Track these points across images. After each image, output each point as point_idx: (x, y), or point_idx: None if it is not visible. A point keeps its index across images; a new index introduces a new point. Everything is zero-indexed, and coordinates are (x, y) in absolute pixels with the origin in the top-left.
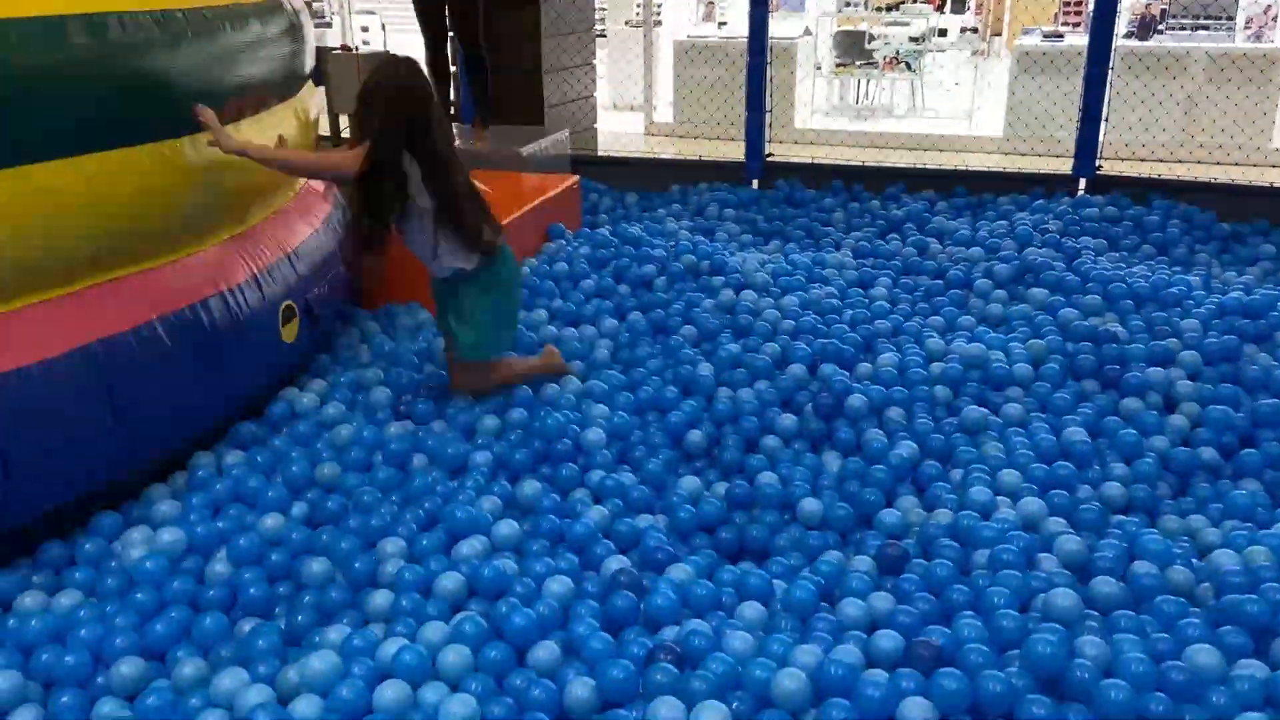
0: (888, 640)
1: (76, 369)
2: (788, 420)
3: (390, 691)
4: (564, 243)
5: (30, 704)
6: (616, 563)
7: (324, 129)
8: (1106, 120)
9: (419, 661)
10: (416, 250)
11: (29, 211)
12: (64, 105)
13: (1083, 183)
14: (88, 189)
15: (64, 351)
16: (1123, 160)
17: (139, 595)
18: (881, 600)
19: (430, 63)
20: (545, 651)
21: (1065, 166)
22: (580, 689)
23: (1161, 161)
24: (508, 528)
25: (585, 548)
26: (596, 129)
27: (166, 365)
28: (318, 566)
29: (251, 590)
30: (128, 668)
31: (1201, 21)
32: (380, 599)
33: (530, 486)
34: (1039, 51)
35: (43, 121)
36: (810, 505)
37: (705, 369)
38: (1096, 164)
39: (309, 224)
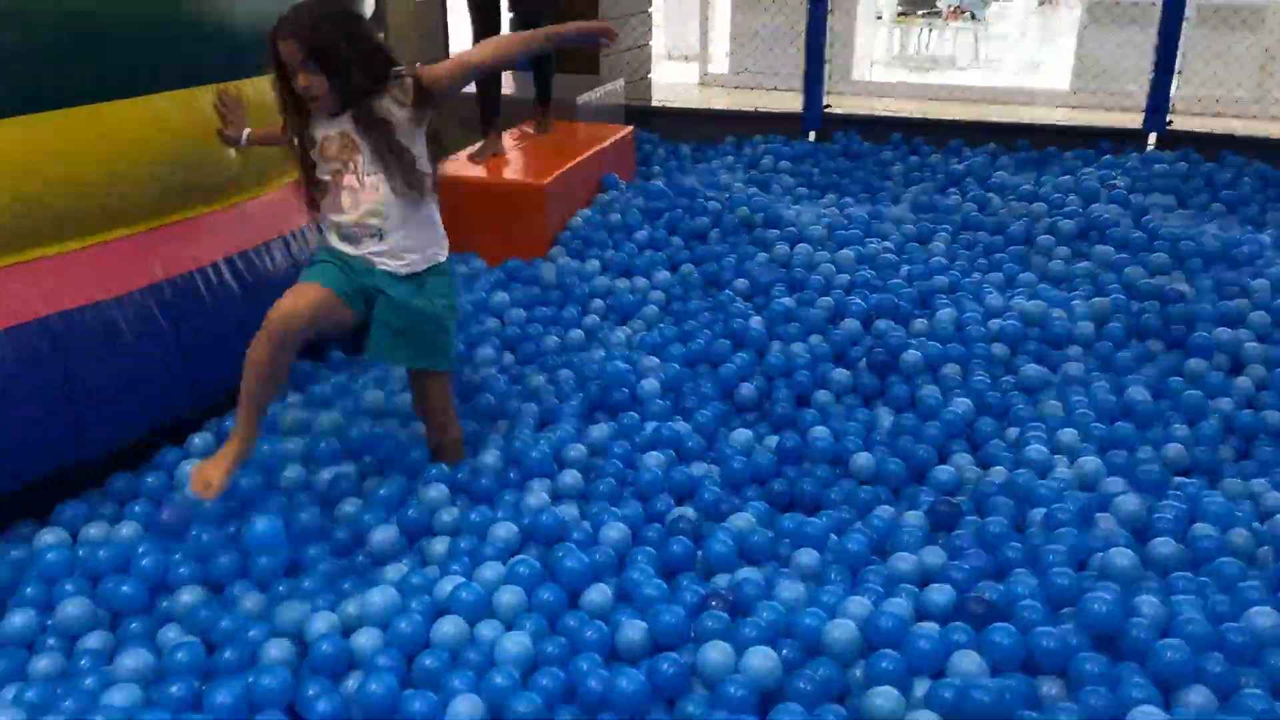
0: (940, 594)
1: (144, 307)
2: (840, 375)
3: (447, 627)
4: (617, 193)
5: (100, 630)
6: (678, 510)
7: None
8: (1179, 74)
9: (475, 599)
10: (416, 236)
11: (110, 149)
12: (139, 44)
13: (1152, 138)
14: (159, 128)
15: (134, 289)
16: (1194, 116)
17: (200, 534)
18: (934, 555)
19: None
20: (599, 594)
21: (1134, 121)
22: (632, 631)
23: (1235, 118)
24: (571, 477)
25: (649, 495)
26: (651, 79)
27: (228, 306)
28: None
29: (304, 518)
30: (189, 596)
31: None
32: (439, 545)
33: (599, 430)
34: (1111, 1)
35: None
36: (862, 460)
37: (757, 322)
38: (1167, 119)
39: None
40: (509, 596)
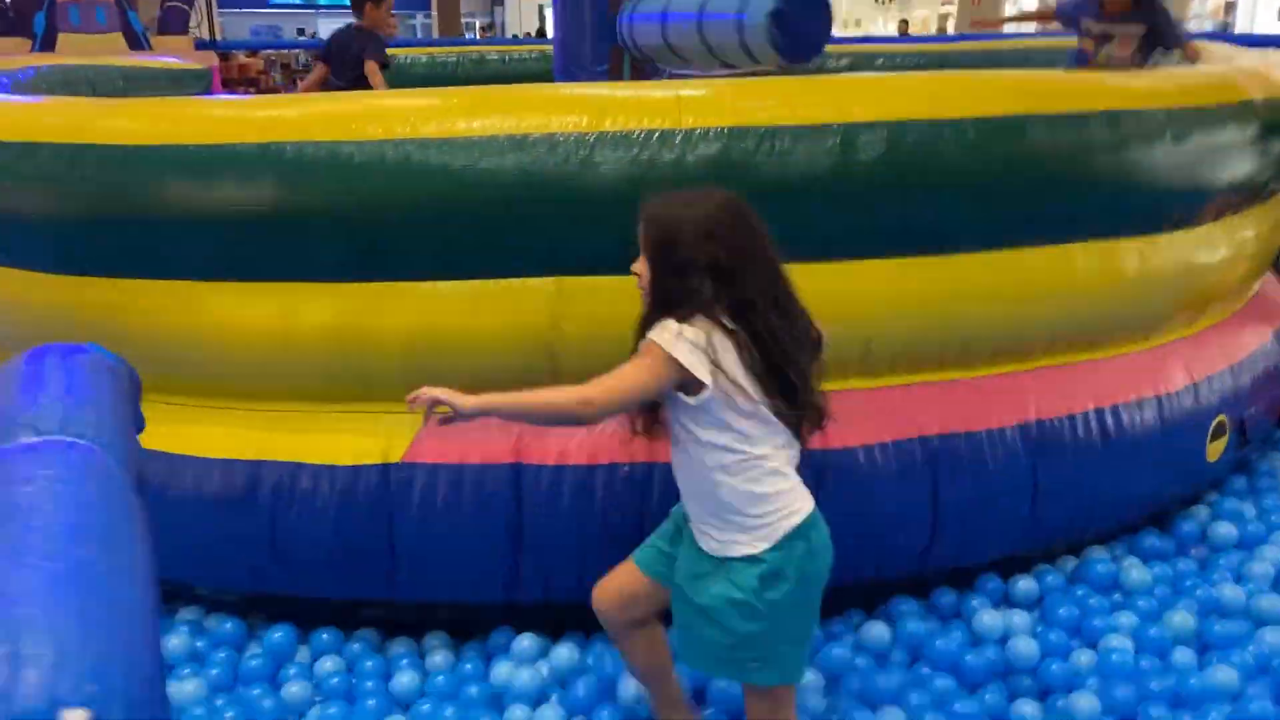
0: None
1: (1010, 442)
2: None
3: None
4: None
5: None
6: None
7: None
8: None
9: None
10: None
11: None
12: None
13: None
14: (1071, 275)
15: (1000, 426)
16: None
17: None
18: None
19: None
20: None
21: None
22: None
23: None
24: None
25: None
26: None
27: (1088, 456)
28: None
29: None
30: None
31: None
32: None
33: None
34: None
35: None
36: None
37: None
38: None
39: (1258, 335)
40: None
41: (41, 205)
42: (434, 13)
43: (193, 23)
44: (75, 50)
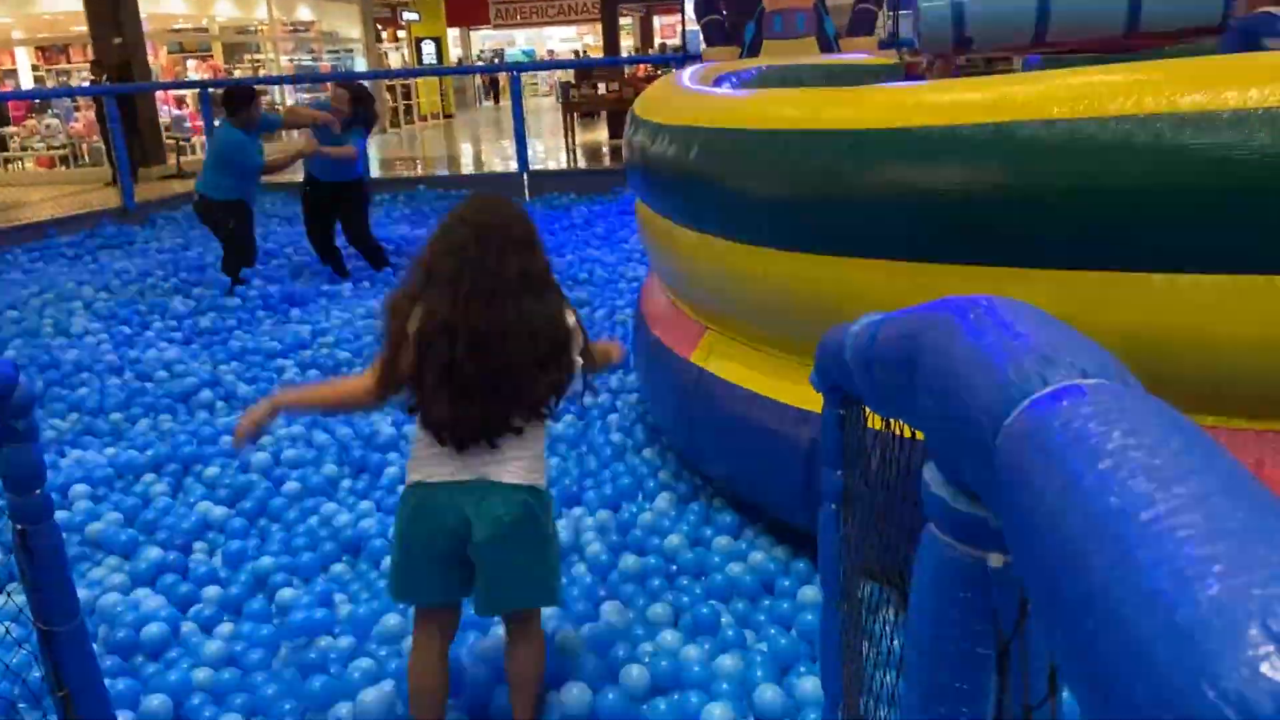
0: None
1: None
2: None
3: None
4: None
5: None
6: None
7: None
8: None
9: None
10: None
11: None
12: None
13: None
14: None
15: None
16: None
17: None
18: None
19: None
20: None
21: None
22: None
23: None
24: None
25: None
26: None
27: None
28: None
29: None
30: None
31: None
32: None
33: None
34: None
35: None
36: None
37: None
38: None
39: None
40: None
41: (774, 186)
42: None
43: (878, 23)
44: (777, 54)
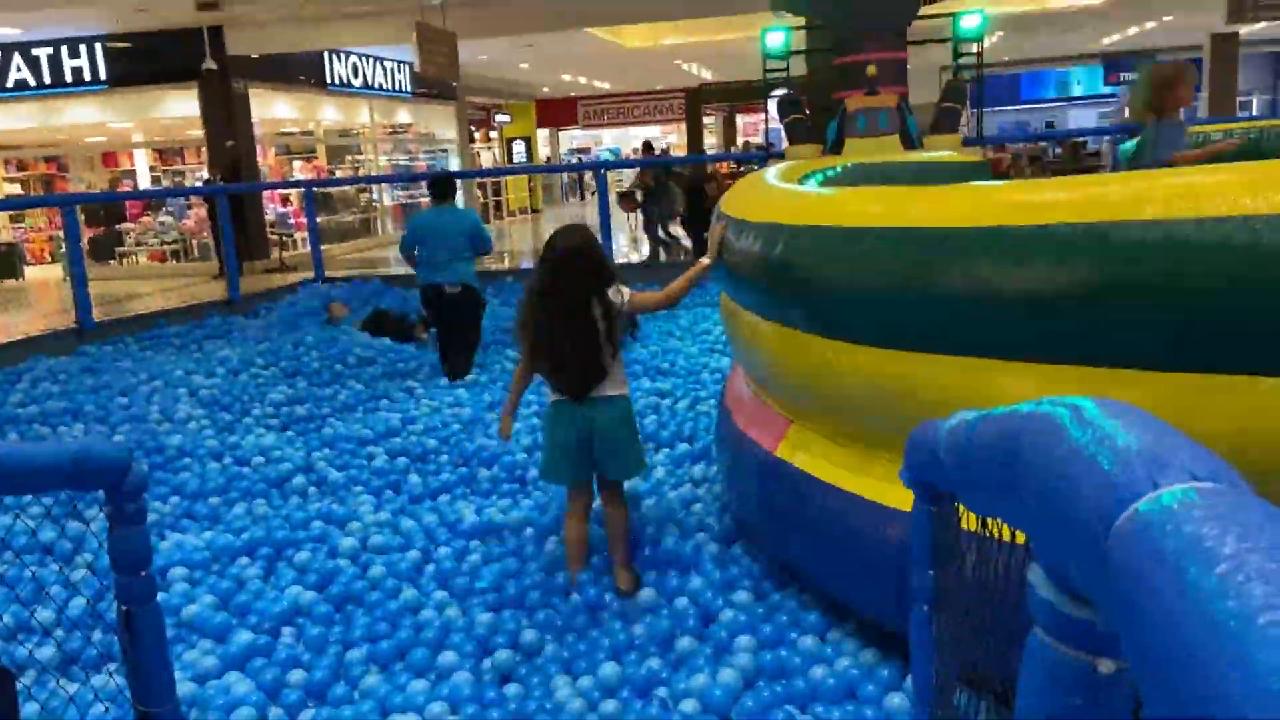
0: None
1: None
2: None
3: None
4: None
5: None
6: None
7: None
8: None
9: None
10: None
11: None
12: None
13: None
14: None
15: None
16: None
17: None
18: None
19: None
20: None
21: None
22: None
23: None
24: None
25: None
26: None
27: None
28: None
29: None
30: None
31: None
32: None
33: None
34: None
35: None
36: None
37: None
38: None
39: None
40: None
41: (864, 282)
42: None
43: (962, 121)
44: (858, 151)
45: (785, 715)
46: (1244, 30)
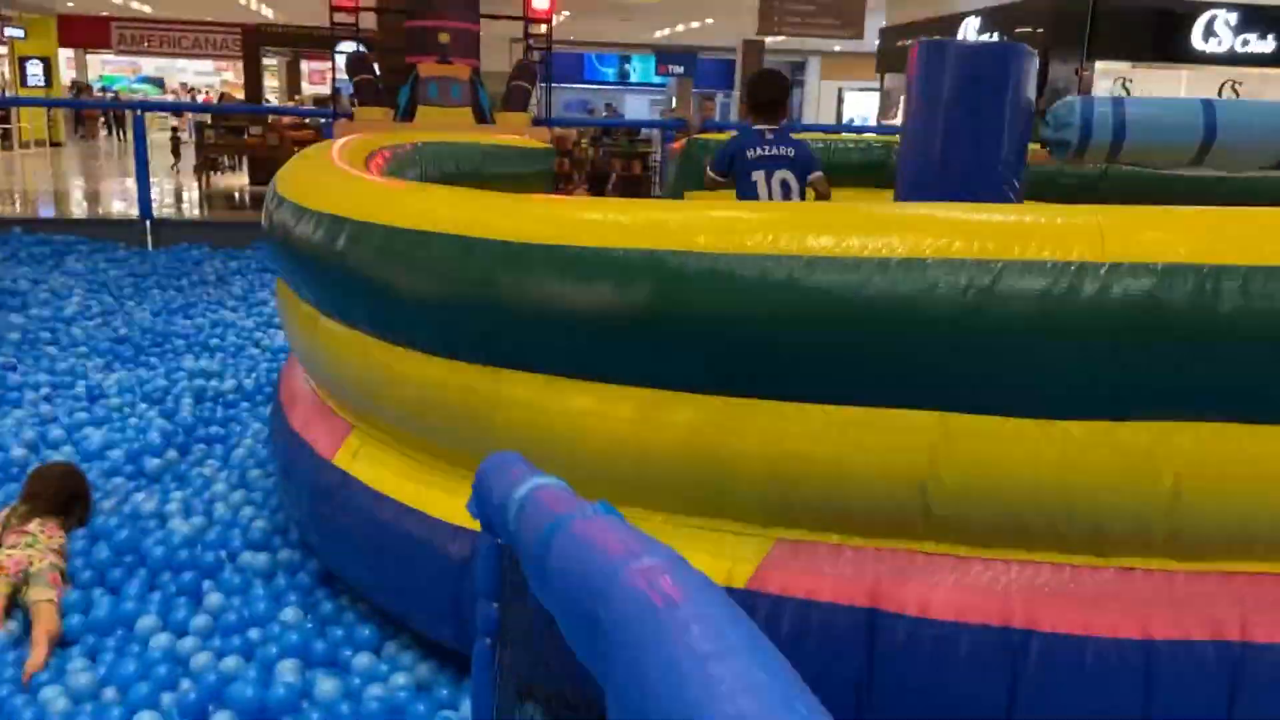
0: None
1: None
2: None
3: None
4: None
5: None
6: None
7: None
8: None
9: None
10: None
11: None
12: None
13: None
14: None
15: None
16: None
17: None
18: None
19: None
20: None
21: None
22: None
23: None
24: None
25: None
26: None
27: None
28: None
29: None
30: None
31: None
32: None
33: None
34: None
35: None
36: None
37: None
38: None
39: None
40: None
41: (429, 289)
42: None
43: (531, 100)
44: (431, 120)
45: None
46: (769, 40)
